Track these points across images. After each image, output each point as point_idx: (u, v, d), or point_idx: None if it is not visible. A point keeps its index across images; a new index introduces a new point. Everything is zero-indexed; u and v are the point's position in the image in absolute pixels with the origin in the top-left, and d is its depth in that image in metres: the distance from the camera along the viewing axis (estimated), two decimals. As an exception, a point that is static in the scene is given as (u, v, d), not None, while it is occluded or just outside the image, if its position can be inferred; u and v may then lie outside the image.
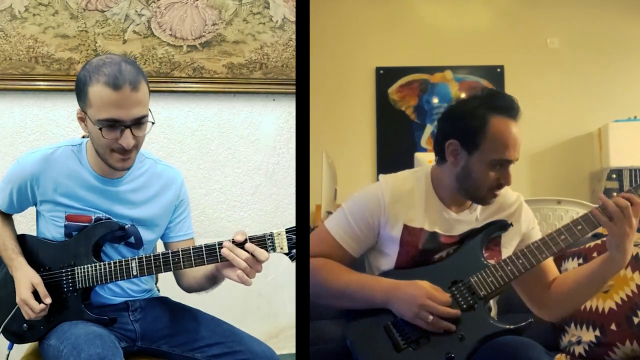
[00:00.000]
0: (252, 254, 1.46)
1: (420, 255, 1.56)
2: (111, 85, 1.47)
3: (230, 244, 1.48)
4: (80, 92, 1.53)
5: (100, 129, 1.50)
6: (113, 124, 1.50)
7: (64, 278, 1.63)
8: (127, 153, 1.55)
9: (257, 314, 2.81)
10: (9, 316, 1.64)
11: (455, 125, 1.58)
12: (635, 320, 1.75)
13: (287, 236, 1.48)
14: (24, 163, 1.65)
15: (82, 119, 1.57)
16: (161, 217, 1.74)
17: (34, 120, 2.59)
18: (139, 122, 1.52)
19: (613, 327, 1.78)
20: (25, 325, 1.63)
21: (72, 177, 1.64)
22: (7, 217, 1.76)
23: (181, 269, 1.55)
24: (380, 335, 1.50)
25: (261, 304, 2.83)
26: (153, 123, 1.56)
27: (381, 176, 1.63)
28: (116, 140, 1.52)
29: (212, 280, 1.63)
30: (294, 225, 1.50)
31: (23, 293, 1.58)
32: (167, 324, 1.71)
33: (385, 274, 1.57)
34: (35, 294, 1.59)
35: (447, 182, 1.59)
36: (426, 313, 1.45)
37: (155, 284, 1.91)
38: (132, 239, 1.69)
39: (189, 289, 1.74)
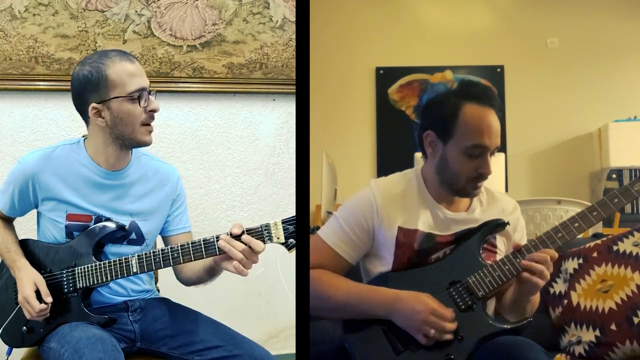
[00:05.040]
0: (248, 246, 1.48)
1: (417, 256, 1.56)
2: (128, 60, 1.61)
3: (227, 237, 1.50)
4: (97, 83, 1.59)
5: (137, 98, 1.60)
6: (141, 92, 1.61)
7: (65, 279, 1.63)
8: (153, 119, 1.65)
9: (257, 314, 2.81)
10: (9, 317, 1.65)
11: (430, 116, 1.59)
12: (635, 320, 1.75)
13: (283, 226, 1.48)
14: (25, 162, 1.68)
15: (99, 112, 1.61)
16: (159, 210, 1.76)
17: (34, 120, 2.59)
18: (151, 90, 1.65)
19: (613, 327, 1.78)
20: (24, 328, 1.64)
21: (73, 172, 1.67)
22: (9, 221, 1.78)
23: (180, 263, 1.57)
24: (379, 338, 1.50)
25: (261, 304, 2.83)
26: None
27: (372, 180, 1.63)
28: (145, 109, 1.62)
29: (211, 273, 1.65)
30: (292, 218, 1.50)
31: (25, 291, 1.59)
32: (167, 325, 1.71)
33: (383, 276, 1.57)
34: (37, 294, 1.59)
35: (431, 177, 1.60)
36: (428, 328, 1.44)
37: (155, 284, 1.92)
38: (133, 235, 1.71)
39: (188, 282, 1.75)
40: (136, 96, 1.60)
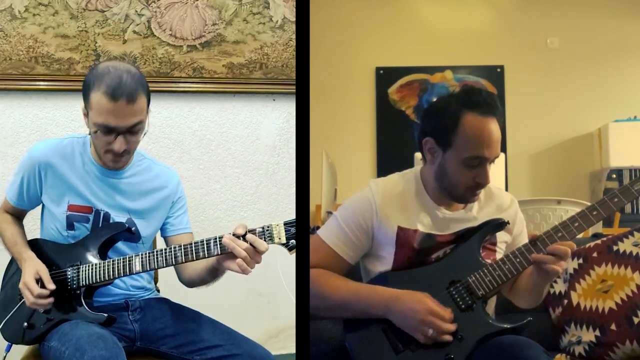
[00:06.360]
0: (252, 245, 1.49)
1: (417, 255, 1.56)
2: (109, 96, 1.54)
3: (231, 236, 1.51)
4: (85, 94, 1.61)
5: (96, 131, 1.59)
6: (108, 130, 1.58)
7: (69, 276, 1.64)
8: (119, 156, 1.63)
9: (257, 314, 2.82)
10: (12, 312, 1.66)
11: (430, 122, 1.58)
12: (635, 320, 1.75)
13: (285, 228, 1.49)
14: (33, 151, 1.72)
15: (85, 115, 1.65)
16: (157, 211, 1.78)
17: (34, 120, 2.59)
18: (133, 129, 1.60)
19: (613, 327, 1.78)
20: (25, 323, 1.64)
21: (77, 164, 1.70)
22: (18, 218, 1.82)
23: (182, 262, 1.58)
24: (379, 338, 1.50)
25: (261, 304, 2.83)
26: (145, 132, 1.65)
27: (371, 180, 1.63)
28: (109, 144, 1.60)
29: (214, 273, 1.65)
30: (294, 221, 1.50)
31: (26, 277, 1.61)
32: (167, 325, 1.72)
33: (383, 275, 1.57)
34: (40, 284, 1.61)
35: (430, 181, 1.60)
36: (426, 328, 1.45)
37: (155, 284, 1.92)
38: None
39: (190, 283, 1.75)
40: (96, 129, 1.58)
